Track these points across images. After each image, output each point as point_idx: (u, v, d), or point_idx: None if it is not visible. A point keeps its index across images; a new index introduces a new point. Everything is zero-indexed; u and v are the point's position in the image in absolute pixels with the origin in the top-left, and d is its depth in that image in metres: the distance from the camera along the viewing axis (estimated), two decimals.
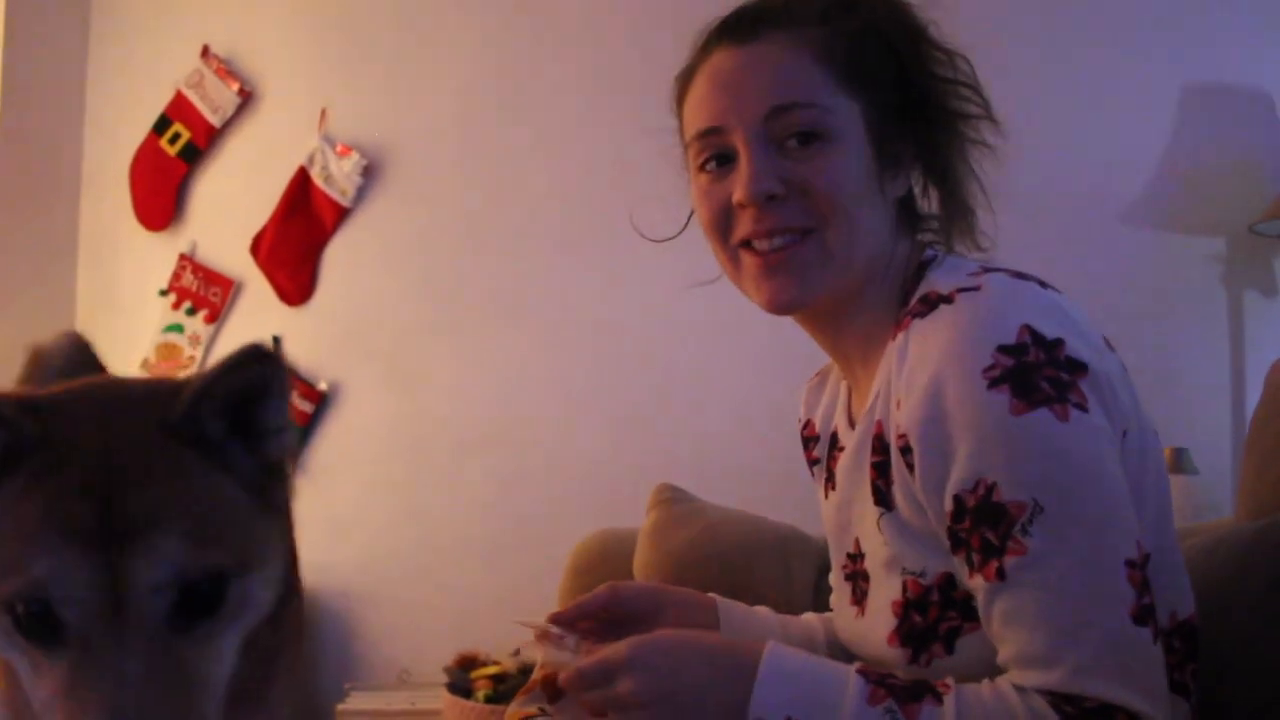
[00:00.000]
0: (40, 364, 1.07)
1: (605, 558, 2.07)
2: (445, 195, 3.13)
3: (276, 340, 3.22)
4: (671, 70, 1.15)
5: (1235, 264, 2.51)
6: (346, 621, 3.01)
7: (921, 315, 0.99)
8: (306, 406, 3.13)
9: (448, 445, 3.06)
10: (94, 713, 0.63)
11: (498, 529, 2.96)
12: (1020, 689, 0.89)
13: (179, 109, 3.34)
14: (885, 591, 1.05)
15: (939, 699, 0.90)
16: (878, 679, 0.93)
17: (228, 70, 3.29)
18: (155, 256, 3.34)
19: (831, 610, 1.26)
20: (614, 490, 2.60)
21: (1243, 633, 1.06)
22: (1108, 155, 2.57)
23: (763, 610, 1.28)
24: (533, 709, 1.12)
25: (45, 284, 3.35)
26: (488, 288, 3.07)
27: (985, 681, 0.92)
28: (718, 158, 1.08)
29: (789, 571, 1.91)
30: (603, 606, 1.15)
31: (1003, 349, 0.92)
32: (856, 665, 0.96)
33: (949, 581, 0.99)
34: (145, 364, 3.25)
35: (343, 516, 2.96)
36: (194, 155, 3.33)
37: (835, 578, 1.21)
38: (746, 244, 1.08)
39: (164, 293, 3.30)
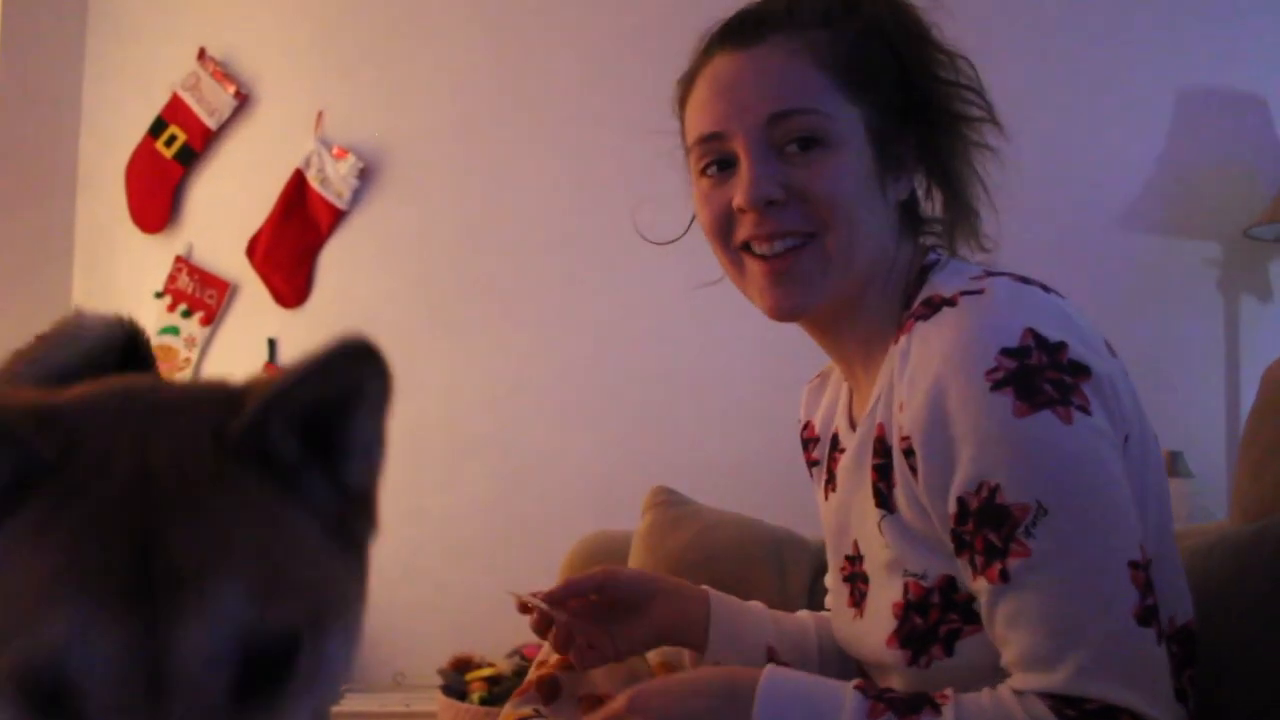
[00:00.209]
0: (60, 341, 0.91)
1: (600, 560, 2.07)
2: (442, 197, 3.13)
3: (271, 343, 3.22)
4: (670, 71, 1.15)
5: (1230, 268, 2.52)
6: None
7: (924, 318, 0.99)
8: None
9: (444, 447, 3.05)
10: None
11: (493, 531, 2.96)
12: (1019, 694, 0.89)
13: (175, 111, 3.33)
14: (886, 593, 1.05)
15: (937, 710, 0.90)
16: (876, 694, 0.93)
17: (224, 73, 3.29)
18: (151, 259, 3.33)
19: (828, 611, 1.26)
20: (610, 492, 2.60)
21: (1240, 636, 1.06)
22: (1104, 160, 2.57)
23: (755, 605, 1.28)
24: (528, 710, 1.12)
25: (40, 286, 3.34)
26: (484, 290, 3.07)
27: (985, 690, 0.92)
28: (719, 162, 1.08)
29: (784, 574, 1.91)
30: (596, 587, 1.15)
31: (1006, 351, 0.92)
32: (854, 682, 0.96)
33: (950, 584, 0.99)
34: None
35: None
36: (190, 158, 3.33)
37: (833, 579, 1.21)
38: (747, 247, 1.08)
39: (159, 295, 3.30)
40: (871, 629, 1.07)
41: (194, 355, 3.25)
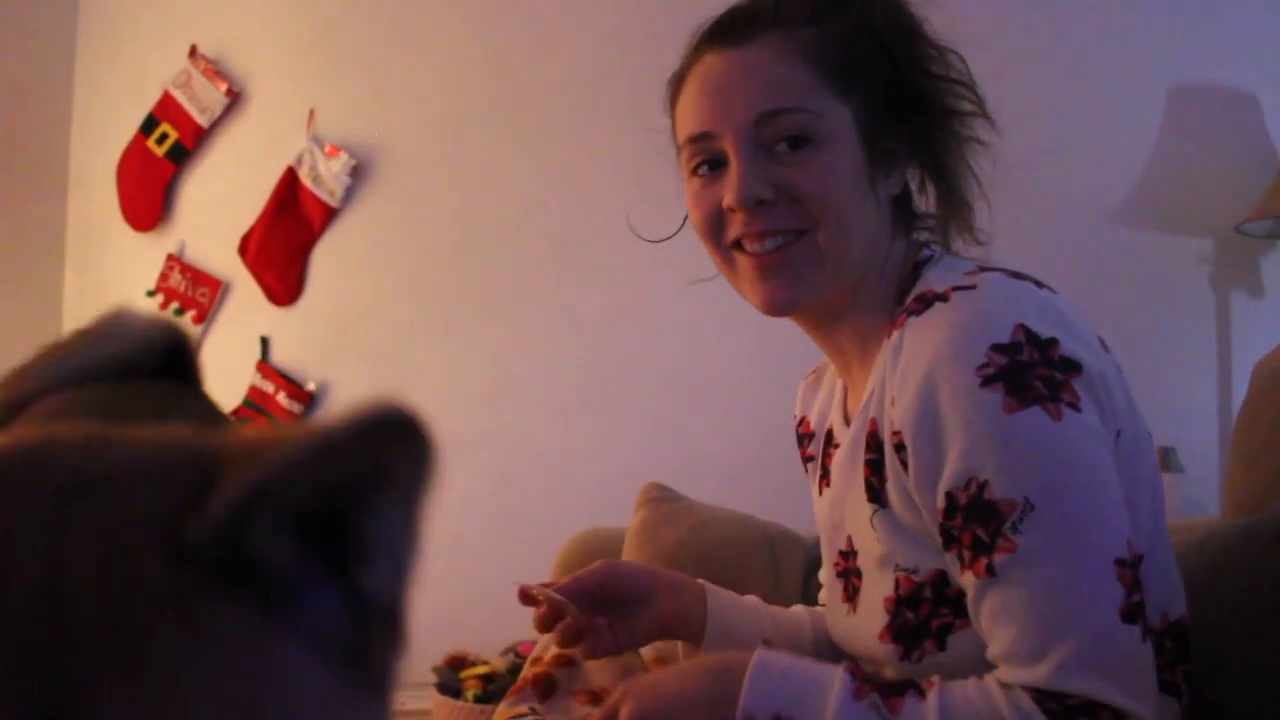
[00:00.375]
0: (96, 338, 0.85)
1: (593, 557, 2.06)
2: (434, 195, 3.12)
3: (264, 341, 3.21)
4: (662, 69, 1.15)
5: (1222, 264, 2.52)
6: None
7: (917, 313, 0.99)
8: (294, 407, 3.13)
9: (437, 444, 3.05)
10: None
11: (487, 528, 2.96)
12: (1005, 686, 0.90)
13: (166, 109, 3.33)
14: (878, 588, 1.06)
15: (922, 694, 0.91)
16: (864, 676, 0.94)
17: (215, 70, 3.29)
18: (143, 257, 3.33)
19: (823, 607, 1.26)
20: (602, 489, 2.60)
21: (1231, 630, 1.06)
22: (1095, 156, 2.58)
23: (751, 599, 1.28)
24: (523, 708, 1.12)
25: (32, 284, 3.34)
26: (477, 288, 3.07)
27: (971, 679, 0.93)
28: (709, 162, 1.08)
29: (777, 570, 1.91)
30: (599, 583, 1.15)
31: (997, 347, 0.92)
32: (844, 665, 0.97)
33: (942, 578, 1.00)
34: None
35: None
36: (182, 155, 3.32)
37: (826, 575, 1.21)
38: (739, 245, 1.08)
39: (151, 294, 3.29)
40: (864, 624, 1.07)
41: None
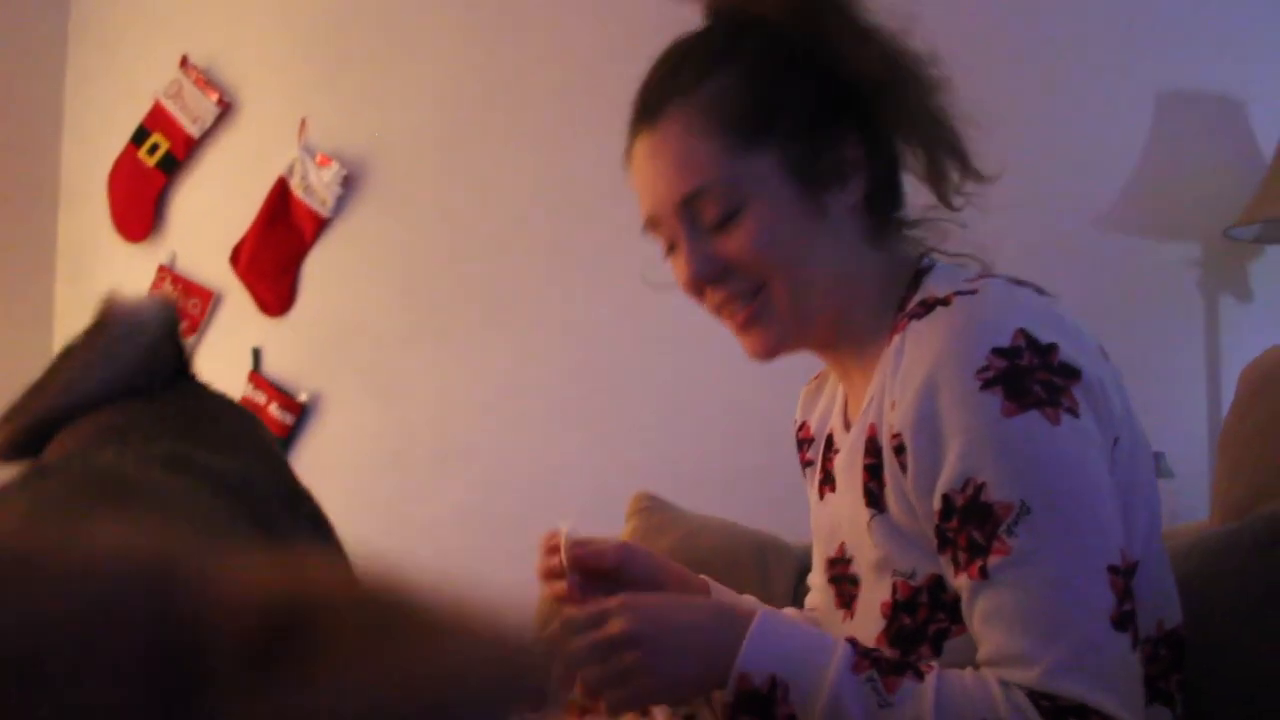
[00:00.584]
0: (115, 331, 0.89)
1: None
2: (426, 205, 3.12)
3: (256, 352, 3.21)
4: None
5: (1210, 268, 2.53)
6: None
7: (919, 317, 1.00)
8: (287, 418, 3.12)
9: (429, 455, 3.05)
10: None
11: (479, 538, 2.96)
12: (1004, 682, 0.90)
13: (157, 119, 3.33)
14: (875, 593, 1.06)
15: (920, 677, 0.92)
16: (864, 650, 0.95)
17: (206, 80, 3.29)
18: (134, 267, 3.33)
19: (811, 611, 1.27)
20: (594, 498, 2.60)
21: (1221, 637, 1.07)
22: (1083, 161, 2.58)
23: (748, 598, 1.29)
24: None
25: (24, 295, 3.33)
26: (469, 297, 3.07)
27: (969, 669, 0.93)
28: (669, 244, 1.11)
29: (768, 578, 1.92)
30: (616, 564, 1.15)
31: (997, 351, 0.93)
32: (845, 636, 0.98)
33: (938, 583, 1.00)
34: None
35: None
36: (173, 166, 3.32)
37: (819, 579, 1.22)
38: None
39: None
40: (861, 629, 1.07)
41: None
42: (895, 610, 1.03)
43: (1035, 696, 0.88)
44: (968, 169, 1.10)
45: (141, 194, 3.35)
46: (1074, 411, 0.93)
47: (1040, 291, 1.02)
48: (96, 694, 0.24)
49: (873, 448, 1.04)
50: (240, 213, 3.22)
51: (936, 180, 1.10)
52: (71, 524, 0.32)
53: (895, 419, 0.98)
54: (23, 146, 3.42)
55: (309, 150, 3.16)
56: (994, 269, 1.09)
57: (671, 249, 1.12)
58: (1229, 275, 2.54)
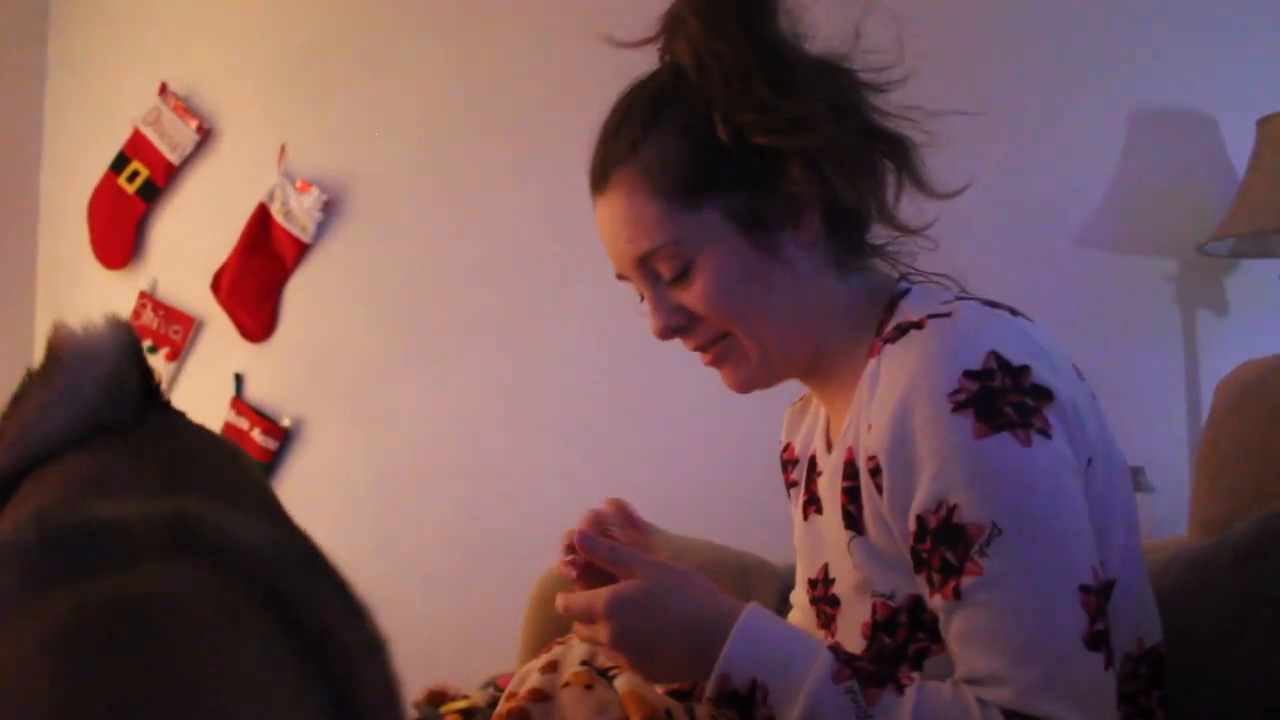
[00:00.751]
0: (70, 363, 0.83)
1: (569, 588, 2.08)
2: (407, 228, 3.13)
3: (238, 378, 3.20)
4: None
5: (1186, 283, 2.56)
6: None
7: (893, 340, 1.00)
8: (270, 444, 3.11)
9: (413, 477, 3.04)
10: None
11: (465, 560, 2.95)
12: (981, 700, 0.91)
13: (137, 147, 3.33)
14: (856, 614, 1.07)
15: (900, 690, 0.92)
16: (846, 659, 0.95)
17: (185, 108, 3.29)
18: (115, 294, 3.32)
19: None
20: (578, 518, 2.59)
21: (1200, 652, 1.07)
22: (1058, 179, 2.61)
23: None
24: None
25: (4, 322, 3.32)
26: (451, 319, 3.07)
27: (949, 683, 0.94)
28: (639, 293, 1.14)
29: (750, 598, 1.92)
30: (625, 563, 1.10)
31: (968, 374, 0.94)
32: (830, 641, 0.98)
33: (917, 604, 1.01)
34: None
35: None
36: (153, 193, 3.32)
37: (800, 599, 1.22)
38: None
39: None
40: None
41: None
42: (875, 630, 1.04)
43: (1010, 716, 0.89)
44: (920, 184, 1.10)
45: (122, 221, 3.34)
46: (1045, 433, 0.94)
47: (1015, 313, 1.03)
48: None
49: (850, 470, 1.05)
50: (221, 239, 3.22)
51: (880, 204, 1.10)
52: None
53: (871, 442, 0.99)
54: (3, 173, 3.41)
55: (289, 176, 3.16)
56: (972, 289, 1.09)
57: (643, 298, 1.14)
58: (1205, 290, 2.56)
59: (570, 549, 1.11)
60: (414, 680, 2.72)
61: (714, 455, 2.73)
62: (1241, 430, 1.30)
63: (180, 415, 0.95)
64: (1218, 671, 1.05)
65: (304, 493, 3.07)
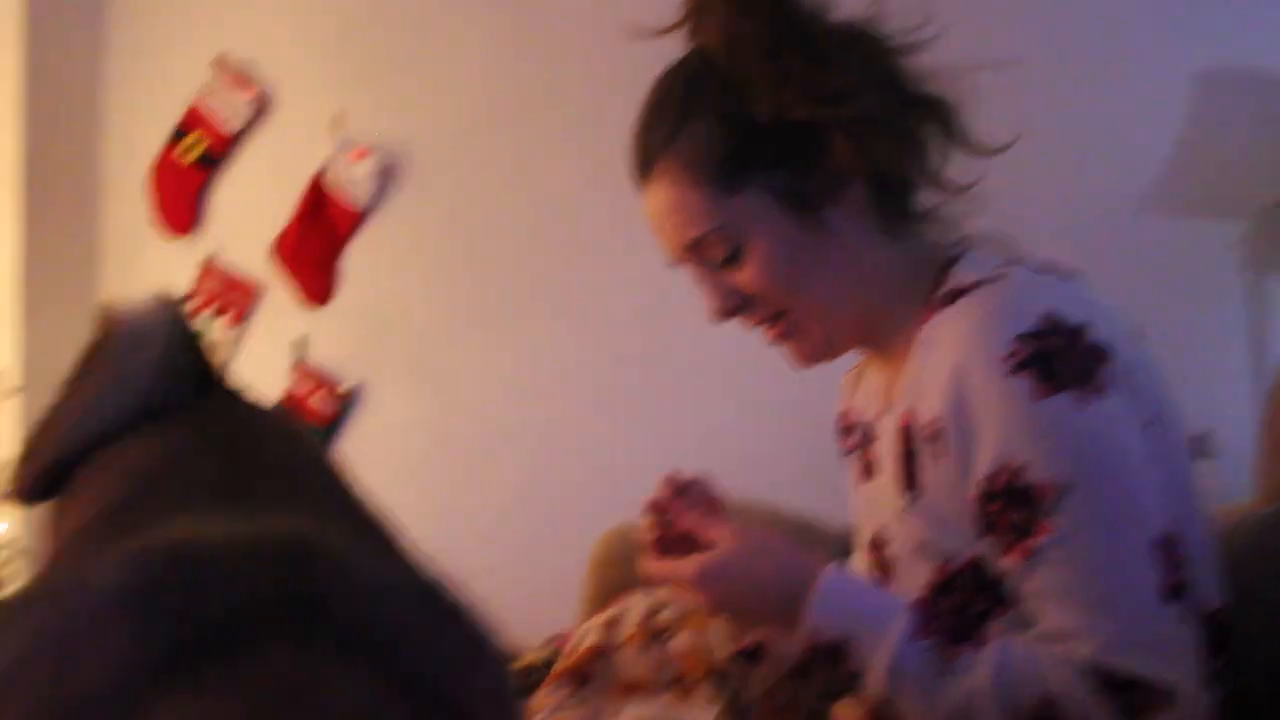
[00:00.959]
0: (120, 347, 0.80)
1: (627, 550, 2.09)
2: (466, 193, 3.15)
3: (299, 343, 3.25)
4: None
5: (1256, 246, 2.50)
6: None
7: (946, 306, 1.01)
8: (331, 407, 3.16)
9: (474, 440, 3.08)
10: None
11: (525, 521, 2.98)
12: (1061, 656, 0.91)
13: (195, 117, 3.37)
14: (912, 577, 1.07)
15: (979, 647, 0.95)
16: (927, 616, 0.98)
17: (243, 77, 3.32)
18: (178, 263, 3.38)
19: None
20: (641, 480, 2.61)
21: (1265, 617, 1.07)
22: (1123, 143, 2.56)
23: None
24: (558, 696, 1.14)
25: (73, 292, 3.39)
26: (510, 284, 3.09)
27: (1025, 639, 0.95)
28: (694, 276, 1.15)
29: None
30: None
31: (1022, 336, 0.94)
32: (914, 599, 1.01)
33: (976, 566, 1.01)
34: None
35: None
36: (212, 162, 3.37)
37: (860, 563, 1.23)
38: None
39: (188, 299, 3.34)
40: None
41: (224, 357, 3.29)
42: (934, 593, 1.04)
43: (1091, 671, 0.89)
44: (966, 144, 1.09)
45: (182, 191, 3.39)
46: (1104, 391, 0.94)
47: (1069, 276, 1.02)
48: None
49: (907, 436, 1.05)
50: (280, 206, 3.26)
51: (925, 168, 1.09)
52: None
53: (927, 407, 1.00)
54: (67, 147, 3.48)
55: (347, 143, 3.18)
56: (1030, 253, 1.09)
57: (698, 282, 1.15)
58: (1275, 252, 2.51)
59: (655, 511, 1.13)
60: None
61: (773, 418, 2.73)
62: None
63: (237, 396, 0.91)
64: (1278, 636, 1.04)
65: (364, 457, 3.12)
